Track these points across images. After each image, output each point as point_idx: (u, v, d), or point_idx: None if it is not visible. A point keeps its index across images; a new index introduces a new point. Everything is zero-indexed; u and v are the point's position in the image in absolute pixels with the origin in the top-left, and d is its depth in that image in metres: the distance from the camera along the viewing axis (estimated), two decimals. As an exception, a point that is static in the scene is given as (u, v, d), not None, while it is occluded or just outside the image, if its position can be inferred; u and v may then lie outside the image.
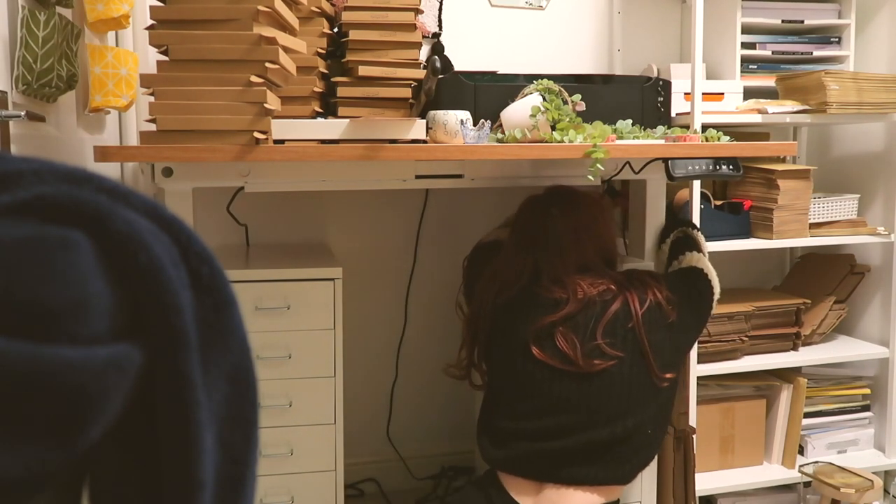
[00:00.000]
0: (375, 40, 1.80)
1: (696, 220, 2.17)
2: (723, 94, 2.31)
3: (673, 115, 2.21)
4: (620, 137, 1.85)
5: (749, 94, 2.34)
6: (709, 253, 2.08)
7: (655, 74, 2.38)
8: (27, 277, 0.36)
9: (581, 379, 1.61)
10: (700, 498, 2.28)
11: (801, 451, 2.42)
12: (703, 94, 2.21)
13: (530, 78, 1.92)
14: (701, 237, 1.97)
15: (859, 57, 2.47)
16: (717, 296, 1.83)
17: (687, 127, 2.12)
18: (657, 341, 1.64)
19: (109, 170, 1.89)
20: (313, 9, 1.80)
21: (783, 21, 2.40)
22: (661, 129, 1.95)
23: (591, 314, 1.64)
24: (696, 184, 2.19)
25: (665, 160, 1.86)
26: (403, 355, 2.47)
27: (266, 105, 1.46)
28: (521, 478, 1.64)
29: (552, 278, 1.69)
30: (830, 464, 2.28)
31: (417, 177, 1.84)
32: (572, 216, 1.74)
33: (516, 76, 2.00)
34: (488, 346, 1.76)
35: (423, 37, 2.26)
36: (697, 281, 1.81)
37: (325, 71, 1.84)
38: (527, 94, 1.85)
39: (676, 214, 2.23)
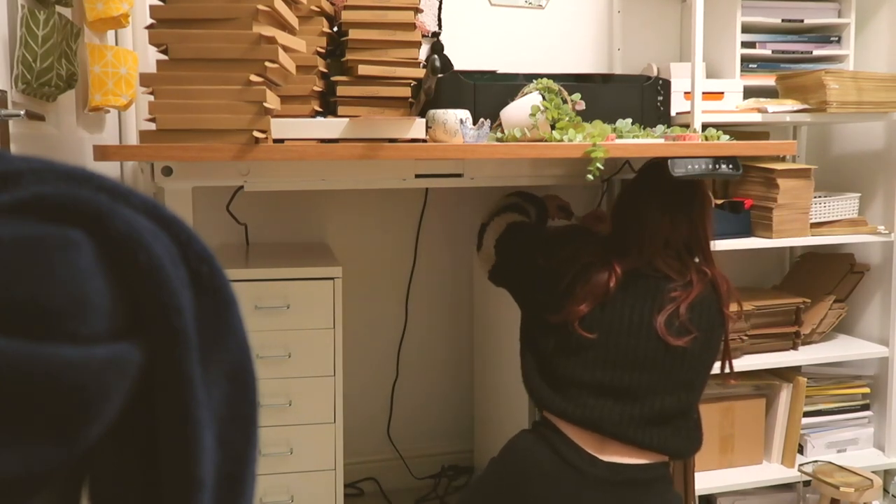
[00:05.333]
0: (375, 39, 1.80)
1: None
2: (723, 93, 2.31)
3: (673, 114, 2.21)
4: (620, 136, 1.85)
5: (749, 93, 2.34)
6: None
7: (655, 73, 2.38)
8: (26, 276, 0.36)
9: (665, 343, 1.65)
10: (700, 497, 2.28)
11: (801, 450, 2.42)
12: (703, 93, 2.21)
13: (530, 77, 1.92)
14: None
15: (859, 56, 2.47)
16: None
17: (687, 126, 2.12)
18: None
19: (109, 169, 1.89)
20: (313, 8, 1.80)
21: (783, 20, 2.40)
22: (660, 128, 1.95)
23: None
24: (696, 183, 2.19)
25: (665, 159, 1.86)
26: (404, 355, 2.47)
27: (266, 104, 1.46)
28: (586, 430, 1.63)
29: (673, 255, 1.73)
30: (830, 463, 2.28)
31: (417, 176, 1.84)
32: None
33: (516, 75, 2.00)
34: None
35: (423, 36, 2.26)
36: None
37: (325, 70, 1.84)
38: (526, 94, 1.85)
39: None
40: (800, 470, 2.30)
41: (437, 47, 2.37)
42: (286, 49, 1.53)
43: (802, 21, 2.41)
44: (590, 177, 1.64)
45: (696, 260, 1.74)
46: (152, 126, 1.48)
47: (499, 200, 2.03)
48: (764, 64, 2.44)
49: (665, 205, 1.73)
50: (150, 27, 1.48)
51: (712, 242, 1.79)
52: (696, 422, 1.72)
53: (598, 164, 1.61)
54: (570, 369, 1.67)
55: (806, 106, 2.25)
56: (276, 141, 1.58)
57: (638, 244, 1.71)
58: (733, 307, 1.78)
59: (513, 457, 1.67)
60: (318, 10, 1.81)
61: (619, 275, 1.68)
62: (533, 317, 1.81)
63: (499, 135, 1.80)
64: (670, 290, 1.67)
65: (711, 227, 1.79)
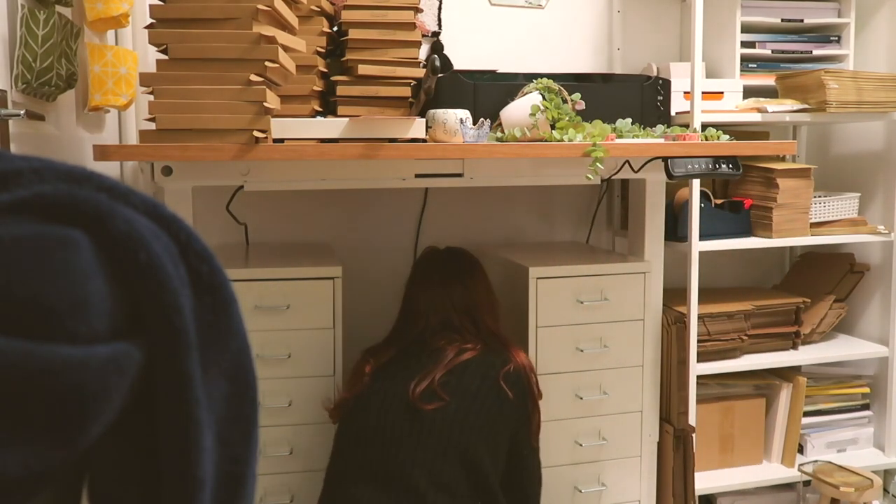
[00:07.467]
0: (375, 39, 1.80)
1: (695, 218, 2.16)
2: (722, 92, 2.31)
3: (672, 113, 2.21)
4: (620, 136, 1.85)
5: (749, 92, 2.34)
6: (709, 252, 2.06)
7: (655, 73, 2.38)
8: (27, 276, 0.36)
9: (413, 410, 1.59)
10: (700, 497, 2.28)
11: (801, 449, 2.42)
12: (703, 92, 2.21)
13: (530, 77, 1.92)
14: None
15: (859, 56, 2.47)
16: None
17: (686, 126, 2.12)
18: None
19: (109, 169, 1.89)
20: (313, 7, 1.80)
21: (783, 20, 2.40)
22: (660, 127, 1.95)
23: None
24: (696, 183, 2.19)
25: (664, 159, 1.86)
26: (403, 354, 2.46)
27: (265, 104, 1.46)
28: None
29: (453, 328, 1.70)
30: (830, 462, 2.29)
31: (417, 176, 1.84)
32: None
33: (516, 75, 2.00)
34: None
35: (423, 35, 2.26)
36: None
37: (325, 70, 1.84)
38: (526, 93, 1.85)
39: (677, 214, 2.23)
40: (800, 470, 2.30)
41: (437, 47, 2.37)
42: (286, 49, 1.53)
43: (802, 21, 2.41)
44: (590, 177, 1.64)
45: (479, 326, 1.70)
46: (152, 126, 1.48)
47: None
48: (764, 64, 2.44)
49: (436, 283, 1.72)
50: (150, 27, 1.48)
51: (495, 307, 1.76)
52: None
53: (598, 164, 1.61)
54: (338, 464, 1.62)
55: (806, 106, 2.25)
56: (276, 141, 1.58)
57: (415, 326, 1.71)
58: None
59: None
60: (318, 9, 1.81)
61: (378, 363, 1.67)
62: None
63: (499, 135, 1.80)
64: (430, 362, 1.62)
65: (490, 292, 1.77)
